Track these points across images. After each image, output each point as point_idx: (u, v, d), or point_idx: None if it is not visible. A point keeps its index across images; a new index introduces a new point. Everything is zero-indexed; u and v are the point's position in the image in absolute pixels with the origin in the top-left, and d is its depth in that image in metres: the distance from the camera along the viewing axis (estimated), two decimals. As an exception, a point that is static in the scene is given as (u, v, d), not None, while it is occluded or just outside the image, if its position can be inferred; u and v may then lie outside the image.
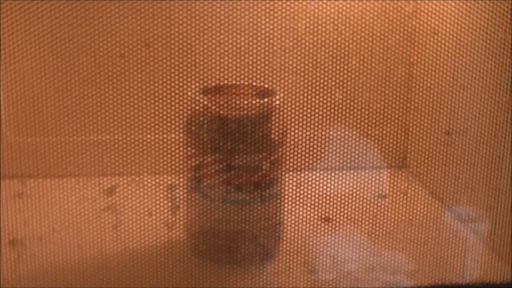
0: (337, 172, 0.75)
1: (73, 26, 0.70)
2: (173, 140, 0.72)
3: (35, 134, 0.78)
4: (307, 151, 0.73)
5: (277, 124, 0.74)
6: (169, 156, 0.72)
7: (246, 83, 0.73)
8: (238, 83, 0.72)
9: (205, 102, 0.72)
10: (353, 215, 0.77)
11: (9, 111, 0.79)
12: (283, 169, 0.76)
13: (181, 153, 0.73)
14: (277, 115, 0.74)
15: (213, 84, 0.72)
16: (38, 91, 0.74)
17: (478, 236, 0.79)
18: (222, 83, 0.72)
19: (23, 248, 0.72)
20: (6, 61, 0.72)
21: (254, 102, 0.73)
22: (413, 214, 0.80)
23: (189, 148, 0.74)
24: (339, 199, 0.75)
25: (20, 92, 0.75)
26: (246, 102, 0.73)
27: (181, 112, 0.71)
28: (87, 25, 0.70)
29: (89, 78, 0.72)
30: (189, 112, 0.72)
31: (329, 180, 0.75)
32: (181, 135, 0.73)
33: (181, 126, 0.72)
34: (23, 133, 0.81)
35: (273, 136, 0.74)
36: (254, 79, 0.71)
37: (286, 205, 0.76)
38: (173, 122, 0.71)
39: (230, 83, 0.72)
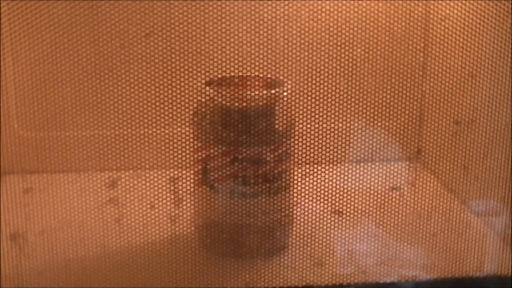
0: (347, 164, 0.74)
1: (76, 19, 0.70)
2: (179, 133, 0.71)
3: (42, 128, 0.78)
4: (316, 143, 0.72)
5: (285, 116, 0.73)
6: (175, 149, 0.71)
7: (253, 74, 0.72)
8: (245, 74, 0.71)
9: (212, 94, 0.72)
10: (365, 208, 0.76)
11: (19, 106, 0.80)
12: (292, 161, 0.75)
13: (188, 146, 0.72)
14: (285, 107, 0.73)
15: (220, 75, 0.71)
16: (42, 86, 0.74)
17: (491, 228, 0.78)
18: (228, 75, 0.71)
19: (25, 242, 0.72)
20: (15, 56, 0.72)
21: (261, 93, 0.73)
22: (426, 207, 0.79)
23: (196, 141, 0.73)
24: (350, 192, 0.74)
25: (27, 88, 0.75)
26: (253, 93, 0.72)
27: (187, 105, 0.70)
28: (90, 18, 0.69)
29: (92, 71, 0.71)
30: (195, 105, 0.72)
31: (339, 173, 0.74)
32: (188, 128, 0.72)
33: (187, 119, 0.72)
34: (31, 127, 0.81)
35: (281, 128, 0.73)
36: (262, 70, 0.71)
37: (295, 198, 0.75)
38: (179, 115, 0.70)
39: (237, 75, 0.71)
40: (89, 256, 0.72)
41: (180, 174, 0.72)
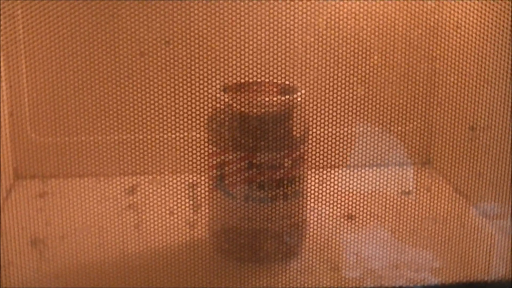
0: (360, 169, 0.75)
1: (93, 25, 0.70)
2: (195, 138, 0.71)
3: (57, 134, 0.78)
4: (330, 148, 0.73)
5: (299, 121, 0.74)
6: (191, 154, 0.71)
7: (267, 80, 0.72)
8: (259, 80, 0.72)
9: (227, 100, 0.72)
10: (377, 212, 0.76)
11: (33, 112, 0.80)
12: (306, 166, 0.75)
13: (203, 151, 0.72)
14: (299, 112, 0.74)
15: (235, 81, 0.72)
16: (60, 92, 0.74)
17: (503, 233, 0.78)
18: (243, 81, 0.72)
19: (45, 247, 0.73)
20: (30, 63, 0.73)
21: (276, 99, 0.73)
22: (438, 211, 0.79)
23: (211, 146, 0.74)
24: (363, 196, 0.75)
25: (43, 93, 0.75)
26: (268, 99, 0.73)
27: (203, 110, 0.71)
28: (107, 23, 0.70)
29: (110, 78, 0.72)
30: (211, 110, 0.72)
31: (352, 177, 0.74)
32: (203, 133, 0.72)
33: (203, 124, 0.72)
34: (46, 133, 0.81)
35: (295, 133, 0.74)
36: (276, 76, 0.71)
37: (309, 202, 0.75)
38: (195, 120, 0.70)
39: (251, 81, 0.72)
40: (108, 260, 0.73)
41: (198, 180, 0.73)
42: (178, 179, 0.71)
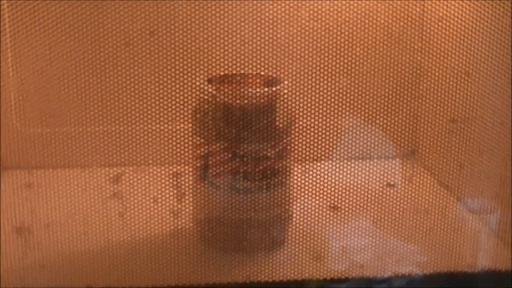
0: (345, 161, 0.75)
1: (79, 15, 0.70)
2: (180, 129, 0.72)
3: (42, 124, 0.78)
4: (314, 140, 0.73)
5: (283, 113, 0.74)
6: (176, 145, 0.72)
7: (252, 72, 0.73)
8: (244, 71, 0.72)
9: (212, 91, 0.73)
10: (361, 204, 0.77)
11: (19, 102, 0.80)
12: (290, 158, 0.76)
13: (188, 142, 0.73)
14: (283, 104, 0.74)
15: (220, 73, 0.72)
16: (45, 82, 0.74)
17: (485, 225, 0.79)
18: (228, 72, 0.72)
19: (30, 235, 0.73)
20: (15, 52, 0.73)
21: (260, 90, 0.73)
22: (421, 203, 0.80)
23: (196, 137, 0.74)
24: (347, 188, 0.75)
25: (29, 84, 0.75)
26: (252, 90, 0.73)
27: (187, 101, 0.71)
28: (92, 13, 0.70)
29: (95, 68, 0.72)
30: (196, 102, 0.73)
31: (337, 169, 0.75)
32: (188, 124, 0.73)
33: (188, 115, 0.72)
34: (31, 123, 0.81)
35: (279, 125, 0.74)
36: (260, 67, 0.72)
37: (294, 193, 0.76)
38: (180, 111, 0.71)
39: (236, 72, 0.72)
40: (93, 249, 0.73)
41: (182, 170, 0.73)
42: (162, 168, 0.71)
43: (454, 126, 0.78)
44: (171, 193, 0.73)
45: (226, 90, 0.73)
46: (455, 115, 0.78)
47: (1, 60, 0.74)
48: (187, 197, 0.74)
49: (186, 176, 0.74)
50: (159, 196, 0.72)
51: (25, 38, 0.71)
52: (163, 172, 0.72)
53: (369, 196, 0.77)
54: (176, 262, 0.73)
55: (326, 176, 0.74)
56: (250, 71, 0.72)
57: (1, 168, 0.79)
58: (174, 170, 0.72)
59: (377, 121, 0.77)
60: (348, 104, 0.75)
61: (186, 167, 0.73)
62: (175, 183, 0.73)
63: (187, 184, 0.74)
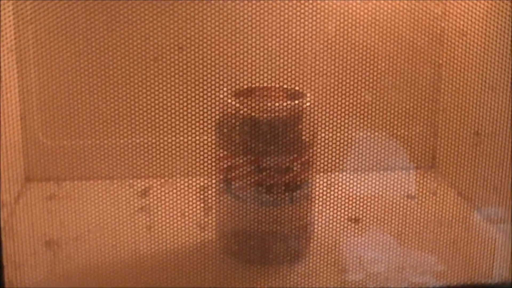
0: (366, 173, 0.76)
1: (107, 29, 0.71)
2: (204, 142, 0.72)
3: (68, 137, 0.79)
4: (337, 152, 0.74)
5: (307, 126, 0.75)
6: (201, 158, 0.72)
7: (276, 85, 0.73)
8: (268, 85, 0.73)
9: (236, 104, 0.73)
10: (382, 216, 0.77)
11: (43, 114, 0.81)
12: (314, 170, 0.76)
13: (212, 155, 0.73)
14: (307, 117, 0.75)
15: (244, 86, 0.73)
16: (70, 95, 0.75)
17: (505, 236, 0.79)
18: (253, 85, 0.73)
19: (59, 248, 0.73)
20: (39, 64, 0.74)
21: (284, 104, 0.74)
22: (442, 215, 0.80)
23: (220, 150, 0.75)
24: (368, 200, 0.76)
25: (53, 96, 0.76)
26: (276, 104, 0.74)
27: (212, 114, 0.72)
28: (122, 28, 0.70)
29: (123, 81, 0.72)
30: (220, 114, 0.73)
31: (358, 181, 0.75)
32: (212, 137, 0.73)
33: (212, 128, 0.73)
34: (56, 136, 0.82)
35: (303, 137, 0.75)
36: (284, 81, 0.72)
37: (316, 205, 0.76)
38: (204, 124, 0.71)
39: (260, 85, 0.73)
40: (120, 261, 0.73)
41: (209, 183, 0.74)
42: (189, 182, 0.72)
43: (476, 139, 0.79)
44: (198, 207, 0.73)
45: (250, 103, 0.73)
46: (478, 128, 0.79)
47: (24, 72, 0.75)
48: (214, 210, 0.74)
49: (212, 189, 0.74)
50: (186, 209, 0.72)
51: (48, 50, 0.72)
52: (189, 184, 0.72)
53: (390, 208, 0.78)
54: (201, 274, 0.73)
55: (347, 188, 0.75)
56: (274, 85, 0.73)
57: (26, 180, 0.80)
58: (201, 183, 0.73)
59: (399, 133, 0.78)
60: (370, 117, 0.76)
61: (211, 180, 0.74)
62: (202, 196, 0.73)
63: (213, 198, 0.74)
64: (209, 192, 0.74)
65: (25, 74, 0.77)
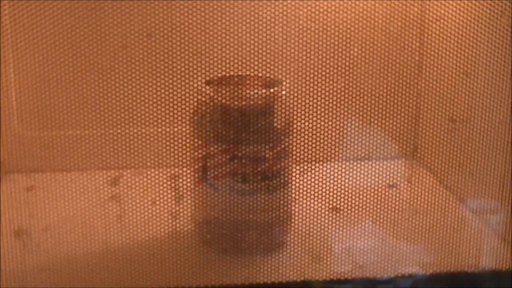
0: (345, 162, 0.75)
1: (77, 17, 0.70)
2: (180, 131, 0.72)
3: (44, 128, 0.79)
4: (315, 141, 0.73)
5: (283, 114, 0.74)
6: (176, 147, 0.72)
7: (251, 74, 0.73)
8: (243, 73, 0.72)
9: (211, 93, 0.73)
10: (362, 205, 0.77)
11: (20, 106, 0.80)
12: (290, 159, 0.76)
13: (187, 144, 0.73)
14: (283, 105, 0.74)
15: (219, 75, 0.72)
16: (46, 86, 0.75)
17: (486, 224, 0.79)
18: (227, 74, 0.72)
19: (29, 238, 0.73)
20: (16, 54, 0.73)
21: (259, 92, 0.73)
22: (422, 203, 0.79)
23: (195, 139, 0.74)
24: (348, 189, 0.75)
25: (30, 87, 0.76)
26: (251, 92, 0.73)
27: (186, 104, 0.71)
28: (90, 15, 0.70)
29: (94, 71, 0.72)
30: (195, 103, 0.73)
31: (337, 170, 0.74)
32: (188, 126, 0.73)
33: (188, 117, 0.73)
34: (33, 127, 0.81)
35: (279, 126, 0.74)
36: (259, 69, 0.72)
37: (294, 195, 0.76)
38: (180, 114, 0.71)
39: (236, 74, 0.72)
40: (91, 252, 0.73)
41: (180, 172, 0.73)
42: (161, 171, 0.71)
43: (453, 125, 0.78)
44: (170, 195, 0.73)
45: (224, 91, 0.73)
46: (455, 115, 0.78)
47: (1, 62, 0.75)
48: (185, 199, 0.74)
49: (185, 178, 0.74)
50: (158, 198, 0.72)
51: (25, 40, 0.72)
52: (161, 174, 0.72)
53: (370, 197, 0.77)
54: (175, 264, 0.73)
55: (326, 178, 0.74)
56: (248, 73, 0.72)
57: (1, 172, 0.79)
58: (173, 172, 0.72)
59: (377, 122, 0.77)
60: (347, 104, 0.75)
61: (185, 169, 0.73)
62: (173, 185, 0.73)
63: (185, 186, 0.74)
64: (180, 180, 0.73)
65: (2, 64, 0.76)
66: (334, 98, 0.73)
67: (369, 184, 0.77)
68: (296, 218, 0.76)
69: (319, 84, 0.73)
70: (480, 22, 0.73)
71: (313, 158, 0.74)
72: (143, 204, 0.72)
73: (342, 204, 0.76)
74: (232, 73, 0.72)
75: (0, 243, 0.70)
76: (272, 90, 0.74)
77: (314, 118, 0.73)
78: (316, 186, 0.74)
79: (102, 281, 0.71)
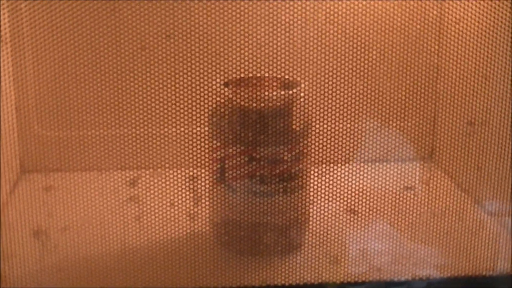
0: (362, 164, 0.75)
1: (96, 20, 0.71)
2: (197, 132, 0.72)
3: (62, 128, 0.79)
4: (331, 143, 0.73)
5: (300, 116, 0.74)
6: (193, 148, 0.72)
7: (269, 75, 0.73)
8: (261, 75, 0.72)
9: (229, 95, 0.73)
10: (379, 207, 0.77)
11: (38, 106, 0.81)
12: (308, 161, 0.76)
13: (205, 145, 0.73)
14: (301, 107, 0.74)
15: (237, 76, 0.72)
16: (64, 86, 0.75)
17: (503, 227, 0.79)
18: (245, 76, 0.72)
19: (48, 239, 0.73)
20: (34, 56, 0.73)
21: (277, 94, 0.74)
22: (439, 206, 0.79)
23: (213, 141, 0.74)
24: (365, 191, 0.75)
25: (48, 88, 0.76)
26: (269, 94, 0.73)
27: (204, 105, 0.71)
28: (109, 18, 0.70)
29: (112, 72, 0.72)
30: (213, 105, 0.73)
31: (354, 172, 0.74)
32: (206, 128, 0.73)
33: (205, 119, 0.73)
34: (51, 127, 0.82)
35: (296, 128, 0.74)
36: (277, 70, 0.72)
37: (311, 197, 0.76)
38: (197, 115, 0.71)
39: (253, 75, 0.72)
40: (109, 252, 0.73)
41: (198, 173, 0.73)
42: (179, 172, 0.71)
43: (471, 128, 0.78)
44: (188, 197, 0.73)
45: (242, 93, 0.73)
46: (473, 118, 0.78)
47: (20, 64, 0.75)
48: (203, 200, 0.74)
49: (203, 179, 0.74)
50: (176, 199, 0.72)
51: (44, 42, 0.72)
52: (179, 175, 0.72)
53: (387, 199, 0.77)
54: (192, 265, 0.73)
55: (343, 180, 0.74)
56: (266, 74, 0.72)
57: (20, 171, 0.80)
58: (191, 173, 0.72)
59: (395, 124, 0.77)
60: (364, 107, 0.75)
61: (203, 171, 0.74)
62: (191, 186, 0.73)
63: (203, 188, 0.74)
64: (199, 182, 0.73)
65: (21, 65, 0.76)
66: (352, 100, 0.73)
67: (386, 186, 0.77)
68: (313, 220, 0.76)
69: (337, 86, 0.73)
70: (499, 24, 0.73)
71: (331, 160, 0.74)
72: (161, 205, 0.72)
73: (358, 206, 0.75)
74: (250, 74, 0.72)
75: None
76: (290, 92, 0.74)
77: (332, 120, 0.73)
78: (333, 188, 0.74)
79: (120, 281, 0.72)
